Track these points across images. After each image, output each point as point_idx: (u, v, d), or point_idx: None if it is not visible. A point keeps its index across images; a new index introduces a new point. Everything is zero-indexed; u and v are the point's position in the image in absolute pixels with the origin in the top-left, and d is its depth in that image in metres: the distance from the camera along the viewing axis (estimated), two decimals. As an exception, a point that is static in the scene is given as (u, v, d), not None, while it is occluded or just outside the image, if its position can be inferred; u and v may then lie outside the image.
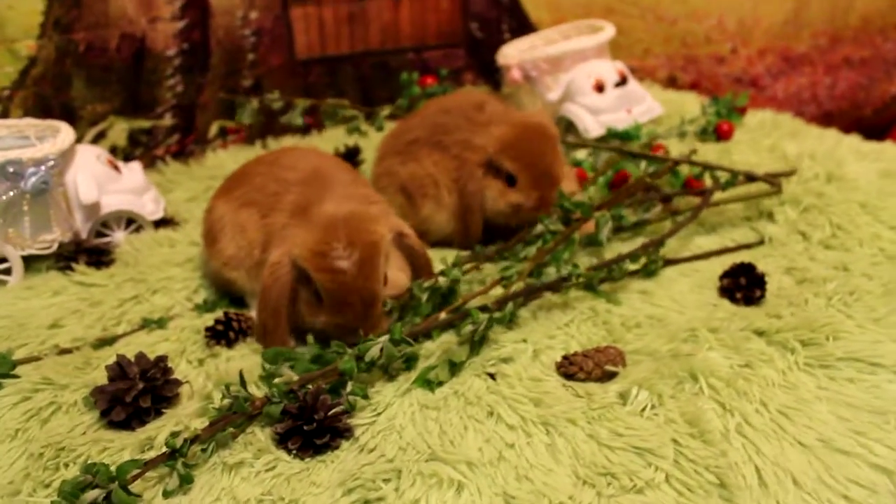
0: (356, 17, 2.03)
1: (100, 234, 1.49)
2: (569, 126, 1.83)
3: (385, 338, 1.01)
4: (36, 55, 1.74)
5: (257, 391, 1.01)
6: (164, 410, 1.02)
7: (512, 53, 1.94)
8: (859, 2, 2.58)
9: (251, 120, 1.64)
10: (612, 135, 1.73)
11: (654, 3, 2.35)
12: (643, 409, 0.97)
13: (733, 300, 1.22)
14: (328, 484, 0.87)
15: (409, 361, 1.06)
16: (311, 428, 0.92)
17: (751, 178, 1.44)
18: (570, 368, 1.04)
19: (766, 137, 1.77)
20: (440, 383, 1.02)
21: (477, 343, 1.07)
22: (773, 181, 1.44)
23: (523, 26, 2.21)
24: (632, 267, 1.28)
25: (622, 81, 1.83)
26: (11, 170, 1.33)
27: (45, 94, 1.77)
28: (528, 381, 1.02)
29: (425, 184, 1.42)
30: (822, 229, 1.39)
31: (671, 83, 2.43)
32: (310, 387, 0.98)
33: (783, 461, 0.90)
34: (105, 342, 1.20)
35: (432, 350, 1.09)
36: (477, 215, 1.37)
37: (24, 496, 0.89)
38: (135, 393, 1.00)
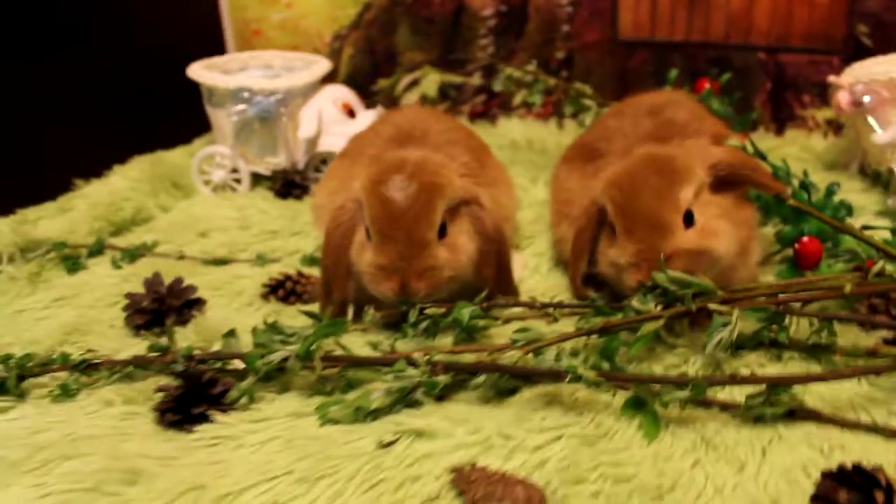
0: (698, 0, 1.71)
1: (319, 170, 1.61)
2: None
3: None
4: (371, 1, 1.90)
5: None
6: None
7: (859, 72, 1.42)
8: None
9: (502, 88, 1.55)
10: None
11: None
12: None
13: (827, 513, 0.75)
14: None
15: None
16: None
17: None
18: (461, 484, 0.78)
19: None
20: (336, 421, 0.88)
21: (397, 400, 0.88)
22: None
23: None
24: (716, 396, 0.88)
25: None
26: (245, 95, 1.52)
27: (372, 38, 1.93)
28: (404, 469, 0.81)
29: (562, 199, 1.18)
30: None
31: None
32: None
33: None
34: (217, 262, 1.32)
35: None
36: (579, 263, 1.08)
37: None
38: (146, 303, 1.11)
